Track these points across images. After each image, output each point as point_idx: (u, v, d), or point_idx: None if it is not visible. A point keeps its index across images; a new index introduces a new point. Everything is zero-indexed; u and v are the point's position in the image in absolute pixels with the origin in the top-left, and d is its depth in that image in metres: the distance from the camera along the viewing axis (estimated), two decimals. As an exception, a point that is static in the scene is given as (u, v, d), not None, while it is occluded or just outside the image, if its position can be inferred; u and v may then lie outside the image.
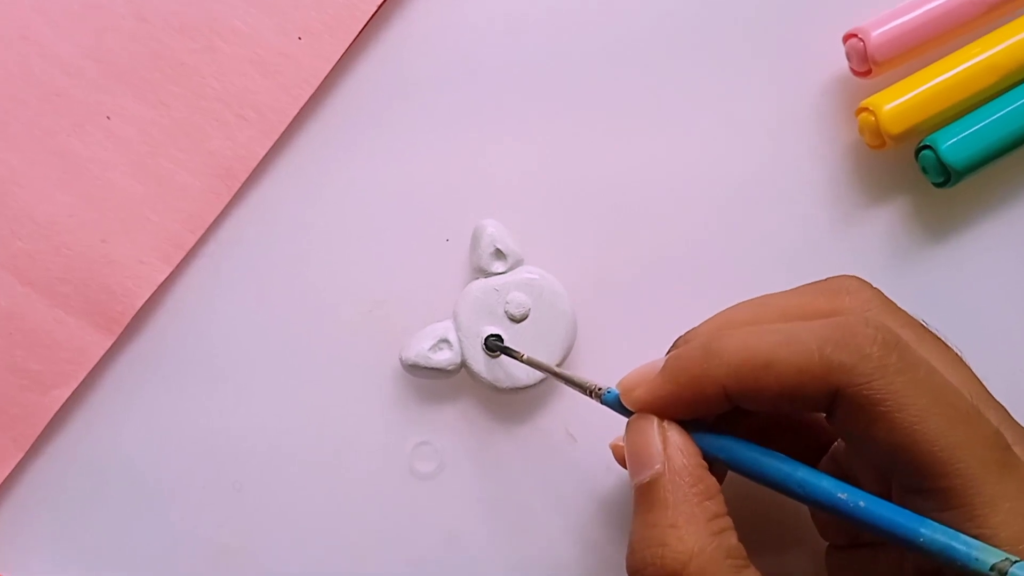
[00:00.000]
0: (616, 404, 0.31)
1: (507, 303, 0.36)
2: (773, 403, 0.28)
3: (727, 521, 0.28)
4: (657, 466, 0.28)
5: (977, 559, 0.25)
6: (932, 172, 0.36)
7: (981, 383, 0.30)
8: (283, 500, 0.37)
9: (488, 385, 0.36)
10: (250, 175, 0.37)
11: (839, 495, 0.27)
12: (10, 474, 0.36)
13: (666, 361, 0.30)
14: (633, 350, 0.32)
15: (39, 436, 0.36)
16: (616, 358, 0.32)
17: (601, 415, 0.33)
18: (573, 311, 0.36)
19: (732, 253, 0.38)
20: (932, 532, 0.26)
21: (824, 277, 0.32)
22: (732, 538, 0.28)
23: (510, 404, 0.37)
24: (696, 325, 0.32)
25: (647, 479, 0.29)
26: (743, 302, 0.32)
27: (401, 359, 0.36)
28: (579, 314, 0.36)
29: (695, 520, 0.28)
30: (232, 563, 0.36)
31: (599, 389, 0.31)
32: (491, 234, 0.36)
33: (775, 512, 0.34)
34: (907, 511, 0.27)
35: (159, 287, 0.37)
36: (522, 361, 0.35)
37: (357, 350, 0.37)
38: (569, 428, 0.37)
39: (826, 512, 0.28)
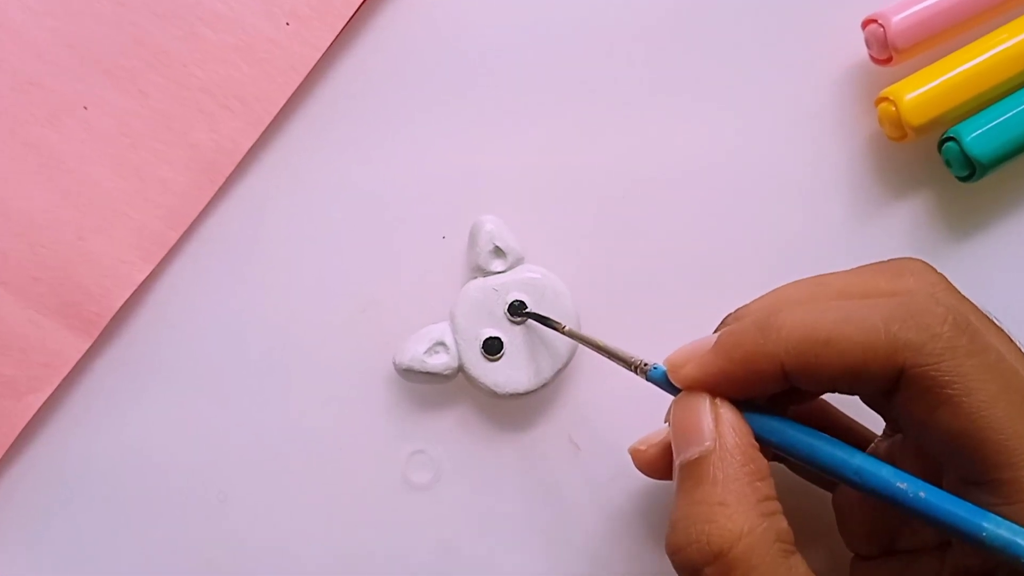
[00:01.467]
0: (663, 381, 0.30)
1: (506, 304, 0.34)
2: (834, 382, 0.27)
3: (777, 504, 0.27)
4: (707, 443, 0.27)
5: None
6: (956, 165, 0.35)
7: None
8: (270, 512, 0.36)
9: (486, 391, 0.34)
10: (235, 169, 0.36)
11: (898, 484, 0.26)
12: None
13: (719, 337, 0.29)
14: (641, 351, 0.30)
15: (11, 444, 0.35)
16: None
17: (604, 422, 0.33)
18: (577, 312, 0.35)
19: (745, 248, 0.37)
20: (995, 527, 0.25)
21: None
22: (782, 521, 0.27)
23: (509, 410, 0.36)
24: (746, 303, 0.31)
25: (695, 456, 0.28)
26: (797, 281, 0.31)
27: (395, 363, 0.35)
28: (583, 315, 0.35)
29: (745, 499, 0.27)
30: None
31: (644, 365, 0.30)
32: (490, 231, 0.35)
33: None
34: (969, 503, 0.26)
35: (139, 287, 0.36)
36: (563, 332, 0.33)
37: (348, 353, 0.36)
38: (573, 436, 0.36)
39: (882, 501, 0.27)
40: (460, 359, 0.34)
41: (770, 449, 0.28)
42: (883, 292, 0.29)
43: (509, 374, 0.34)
